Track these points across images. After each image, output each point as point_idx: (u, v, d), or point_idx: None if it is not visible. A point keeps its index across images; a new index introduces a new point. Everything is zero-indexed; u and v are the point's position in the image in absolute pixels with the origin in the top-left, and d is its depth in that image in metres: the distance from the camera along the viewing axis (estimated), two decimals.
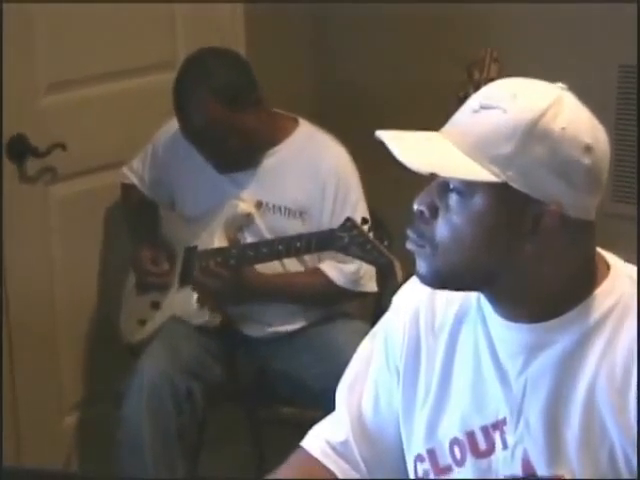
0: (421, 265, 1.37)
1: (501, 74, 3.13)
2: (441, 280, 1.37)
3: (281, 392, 2.77)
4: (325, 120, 2.84)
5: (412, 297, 1.49)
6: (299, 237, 2.53)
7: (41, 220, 2.85)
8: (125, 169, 2.89)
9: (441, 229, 1.33)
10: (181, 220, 2.78)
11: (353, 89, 3.55)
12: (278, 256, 2.56)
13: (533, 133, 1.27)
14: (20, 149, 2.74)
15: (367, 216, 2.60)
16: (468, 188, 1.30)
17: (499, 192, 1.29)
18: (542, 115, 1.28)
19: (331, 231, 2.48)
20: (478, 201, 1.30)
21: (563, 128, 1.28)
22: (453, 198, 1.32)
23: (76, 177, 2.89)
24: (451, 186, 1.32)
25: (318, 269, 2.63)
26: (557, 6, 3.08)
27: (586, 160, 1.28)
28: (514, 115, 1.28)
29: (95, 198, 2.93)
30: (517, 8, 3.18)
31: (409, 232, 1.37)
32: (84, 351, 3.03)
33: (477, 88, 3.31)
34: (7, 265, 2.76)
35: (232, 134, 2.57)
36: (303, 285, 2.67)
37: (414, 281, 1.45)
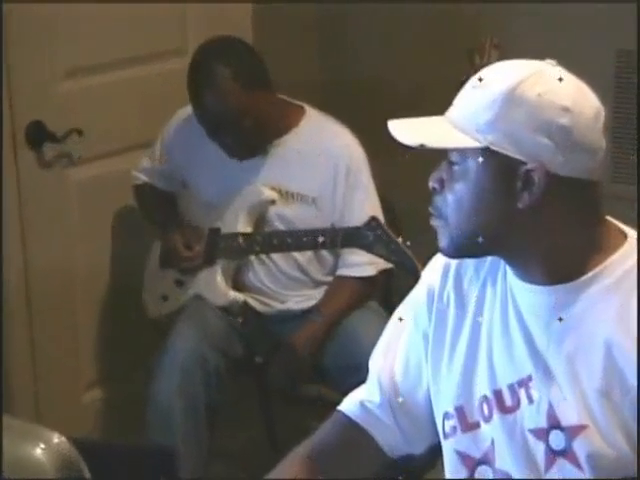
0: (440, 238, 1.49)
1: (501, 59, 3.20)
2: (456, 248, 1.49)
3: None
4: (332, 108, 2.89)
5: (439, 268, 1.60)
6: (324, 232, 2.58)
7: (59, 203, 2.91)
8: (134, 172, 2.93)
9: (447, 199, 1.46)
10: (199, 203, 2.83)
11: (362, 86, 3.59)
12: (302, 248, 2.62)
13: (511, 99, 1.38)
14: (38, 135, 2.79)
15: (378, 202, 2.69)
16: (461, 158, 1.43)
17: (487, 157, 1.40)
18: (519, 83, 1.39)
19: (356, 229, 2.53)
20: (471, 167, 1.42)
21: (539, 94, 1.38)
22: (453, 169, 1.44)
23: (92, 162, 2.95)
24: (451, 159, 1.45)
25: (340, 283, 2.71)
26: (568, 6, 3.14)
27: (563, 120, 1.37)
28: (493, 87, 1.41)
29: (111, 182, 2.99)
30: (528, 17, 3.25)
31: (430, 209, 1.49)
32: (102, 329, 3.09)
33: (478, 72, 3.37)
34: (27, 247, 2.82)
35: (246, 115, 2.62)
36: (346, 305, 2.72)
37: (440, 255, 1.56)
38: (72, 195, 2.94)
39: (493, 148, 1.39)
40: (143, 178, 2.94)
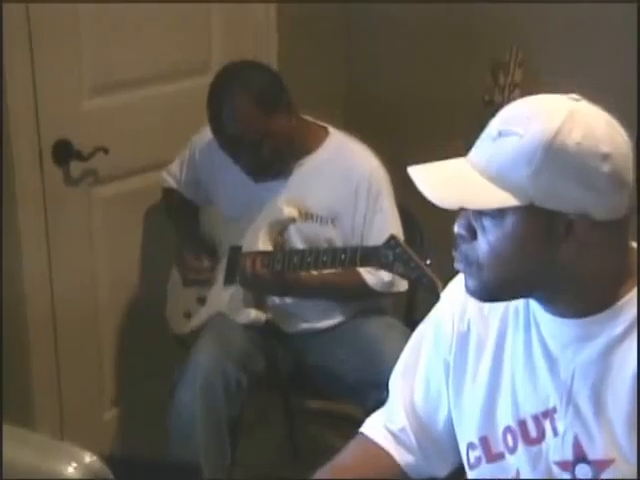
0: (470, 282, 1.46)
1: (525, 78, 3.21)
2: (490, 294, 1.46)
3: (317, 385, 2.84)
4: (355, 119, 2.89)
5: (460, 290, 1.56)
6: (344, 250, 2.57)
7: (84, 221, 2.93)
8: (164, 173, 2.98)
9: (482, 249, 1.41)
10: (222, 219, 2.85)
11: (384, 83, 3.60)
12: (322, 266, 2.61)
13: (550, 153, 1.34)
14: (64, 153, 2.82)
15: (399, 224, 2.68)
16: (498, 211, 1.38)
17: (527, 211, 1.36)
18: (556, 134, 1.34)
19: (376, 248, 2.52)
20: (509, 222, 1.38)
21: (578, 143, 1.34)
22: (487, 220, 1.40)
23: (118, 179, 2.98)
24: (483, 211, 1.40)
25: (354, 270, 2.68)
26: (569, 6, 3.14)
27: (605, 167, 1.34)
28: (530, 139, 1.35)
29: (136, 199, 3.02)
30: (541, 11, 3.23)
31: (454, 254, 1.46)
32: (125, 346, 3.11)
33: (502, 91, 3.39)
34: (52, 263, 2.84)
35: (266, 137, 2.63)
36: (340, 285, 2.73)
37: (462, 276, 1.52)
38: (98, 212, 2.96)
39: (536, 204, 1.35)
40: (172, 183, 2.97)
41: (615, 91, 3.10)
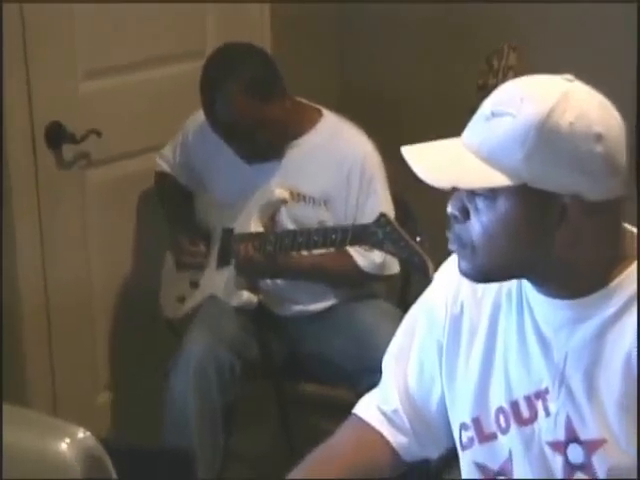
0: (463, 264, 1.46)
1: (520, 61, 3.20)
2: (483, 275, 1.46)
3: (310, 370, 2.85)
4: (350, 112, 2.89)
5: (453, 272, 1.55)
6: (334, 230, 2.57)
7: (77, 204, 2.93)
8: (157, 158, 2.97)
9: (475, 230, 1.41)
10: (214, 203, 2.85)
11: (380, 85, 3.61)
12: (314, 246, 2.61)
13: (543, 134, 1.33)
14: (57, 136, 2.81)
15: (392, 206, 2.68)
16: (491, 192, 1.37)
17: (520, 192, 1.36)
18: (549, 114, 1.33)
19: (365, 226, 2.52)
20: (502, 202, 1.37)
21: (571, 123, 1.33)
22: (480, 201, 1.40)
23: (111, 162, 2.98)
24: (476, 191, 1.40)
25: (346, 252, 2.68)
26: (569, 6, 3.15)
27: (599, 148, 1.34)
28: (523, 119, 1.34)
29: (129, 182, 3.01)
30: (536, 10, 3.25)
31: (448, 234, 1.46)
32: (119, 331, 3.11)
33: (496, 76, 3.38)
34: (45, 247, 2.84)
35: (260, 125, 2.63)
36: (331, 268, 2.73)
37: (454, 258, 1.52)
38: (91, 196, 2.95)
39: (530, 185, 1.35)
40: (165, 167, 2.97)
41: (615, 91, 3.12)
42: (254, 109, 2.61)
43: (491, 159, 1.36)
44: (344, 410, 1.74)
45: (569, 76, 1.41)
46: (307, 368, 2.86)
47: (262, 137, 2.65)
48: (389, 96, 3.57)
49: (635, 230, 1.49)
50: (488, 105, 1.41)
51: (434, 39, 3.48)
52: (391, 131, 3.36)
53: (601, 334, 1.43)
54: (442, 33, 3.47)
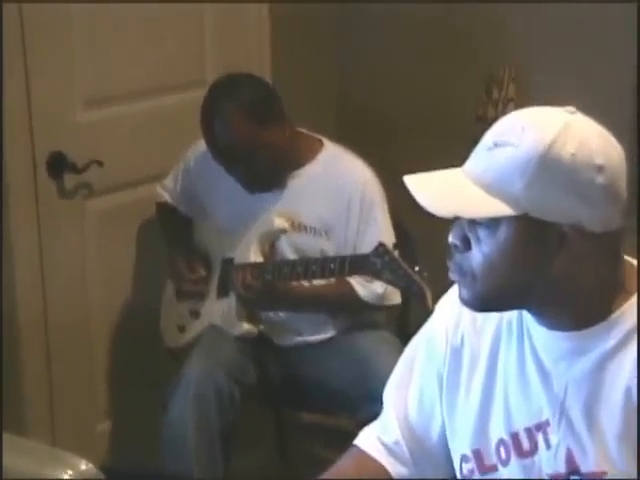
0: (464, 292, 1.46)
1: (519, 93, 3.22)
2: (484, 304, 1.47)
3: (310, 398, 2.84)
4: (346, 127, 2.89)
5: (454, 303, 1.56)
6: (333, 259, 2.58)
7: (78, 233, 2.93)
8: (158, 188, 2.98)
9: (475, 259, 1.42)
10: (214, 231, 2.86)
11: (375, 96, 3.62)
12: (312, 276, 2.62)
13: (544, 164, 1.34)
14: (59, 165, 2.82)
15: (392, 235, 2.68)
16: (492, 221, 1.38)
17: (521, 221, 1.37)
18: (551, 145, 1.34)
19: (364, 256, 2.52)
20: (503, 232, 1.38)
21: (573, 154, 1.34)
22: (481, 230, 1.41)
23: (112, 192, 2.99)
24: (477, 220, 1.41)
25: (346, 282, 2.69)
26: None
27: (600, 179, 1.35)
28: (525, 150, 1.35)
29: (130, 212, 3.02)
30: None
31: (449, 264, 1.46)
32: (118, 359, 3.11)
33: (495, 106, 3.41)
34: (46, 276, 2.85)
35: (260, 151, 2.64)
36: (331, 298, 2.74)
37: (455, 288, 1.53)
38: (91, 225, 2.96)
39: (530, 215, 1.36)
40: (166, 197, 2.98)
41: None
42: (253, 132, 2.63)
43: (492, 189, 1.37)
44: (344, 438, 1.75)
45: (571, 108, 1.42)
46: (307, 396, 2.85)
47: (261, 163, 2.66)
48: (387, 106, 3.57)
49: (635, 262, 1.50)
50: (491, 135, 1.42)
51: (435, 51, 3.48)
52: (388, 143, 3.38)
53: (601, 366, 1.43)
54: (442, 45, 3.47)
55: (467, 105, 2.85)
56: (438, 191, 1.43)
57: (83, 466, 1.12)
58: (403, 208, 2.74)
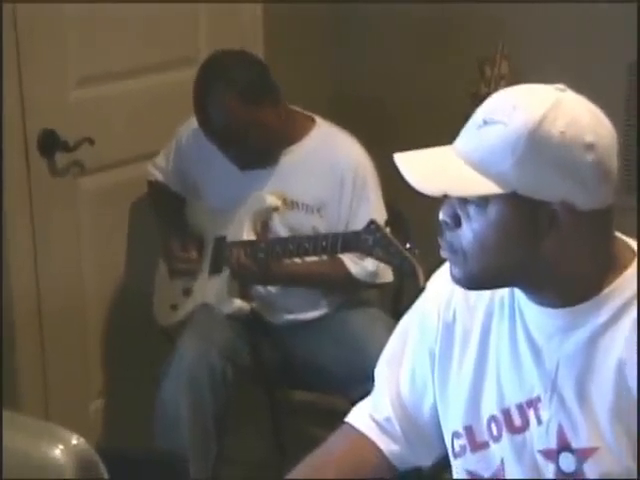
0: (455, 270, 1.46)
1: (511, 71, 3.21)
2: (475, 282, 1.47)
3: (303, 377, 2.85)
4: (342, 114, 2.89)
5: (445, 279, 1.55)
6: (325, 237, 2.58)
7: (70, 211, 2.93)
8: (150, 167, 2.97)
9: (466, 237, 1.42)
10: (207, 210, 2.86)
11: (373, 91, 3.62)
12: (304, 254, 2.62)
13: (533, 142, 1.34)
14: (50, 143, 2.81)
15: (384, 213, 2.67)
16: (482, 199, 1.38)
17: (511, 199, 1.36)
18: (540, 123, 1.34)
19: (356, 233, 2.52)
20: (493, 209, 1.38)
21: (562, 132, 1.34)
22: (471, 208, 1.40)
23: (104, 170, 2.98)
24: (468, 198, 1.41)
25: (338, 259, 2.69)
26: (567, 6, 3.16)
27: (589, 157, 1.34)
28: (514, 127, 1.35)
29: (122, 190, 3.01)
30: (528, 10, 3.26)
31: (440, 241, 1.46)
32: (112, 338, 3.11)
33: (488, 84, 3.40)
34: (38, 255, 2.84)
35: (252, 130, 2.63)
36: (323, 275, 2.74)
37: (447, 266, 1.53)
38: (83, 203, 2.96)
39: (520, 193, 1.36)
40: (158, 176, 2.97)
41: (615, 91, 3.15)
42: (246, 112, 2.62)
43: (482, 167, 1.37)
44: (337, 417, 1.75)
45: (561, 85, 1.42)
46: (300, 375, 2.85)
47: (255, 142, 2.66)
48: (381, 97, 3.58)
49: (627, 239, 1.50)
50: (480, 113, 1.41)
51: (428, 40, 3.49)
52: (383, 132, 3.38)
53: (592, 342, 1.44)
54: (436, 35, 3.47)
55: (462, 93, 2.85)
56: (427, 170, 1.42)
57: (74, 440, 1.12)
58: (394, 186, 2.77)
